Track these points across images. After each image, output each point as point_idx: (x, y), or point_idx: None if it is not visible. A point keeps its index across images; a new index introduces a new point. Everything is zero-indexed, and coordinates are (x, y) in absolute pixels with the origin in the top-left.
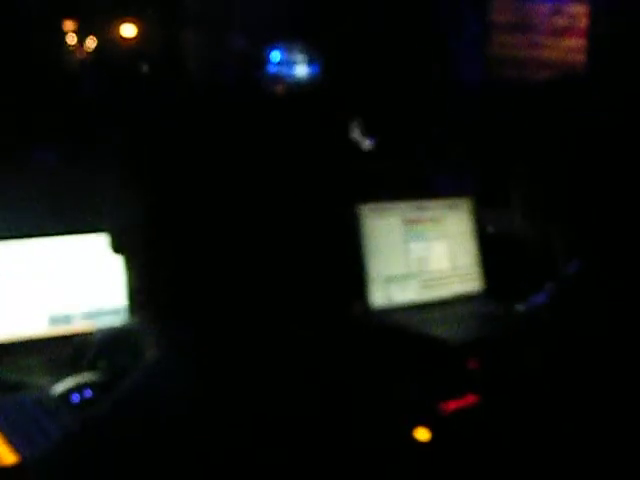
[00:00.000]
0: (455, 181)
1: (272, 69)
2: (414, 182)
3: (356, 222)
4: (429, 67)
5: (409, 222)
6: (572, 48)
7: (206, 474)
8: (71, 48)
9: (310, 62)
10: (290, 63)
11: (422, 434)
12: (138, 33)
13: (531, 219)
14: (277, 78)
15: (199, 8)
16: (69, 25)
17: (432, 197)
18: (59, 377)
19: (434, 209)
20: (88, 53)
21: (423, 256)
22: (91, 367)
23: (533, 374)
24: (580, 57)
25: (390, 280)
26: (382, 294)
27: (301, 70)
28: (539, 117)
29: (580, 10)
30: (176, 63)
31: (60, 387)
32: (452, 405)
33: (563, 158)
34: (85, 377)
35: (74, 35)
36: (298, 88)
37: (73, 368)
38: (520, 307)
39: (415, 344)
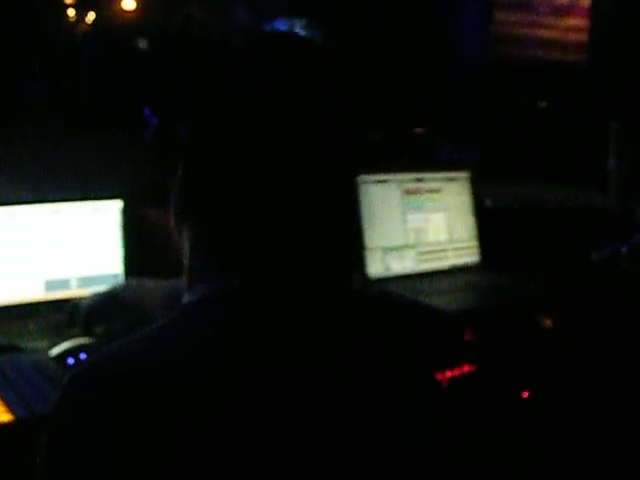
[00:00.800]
0: (455, 154)
1: None
2: (414, 154)
3: (355, 192)
4: (430, 45)
5: (407, 193)
6: (573, 27)
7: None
8: (71, 19)
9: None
10: None
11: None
12: (138, 7)
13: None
14: None
15: None
16: None
17: (431, 169)
18: (55, 341)
19: (433, 181)
20: (88, 25)
21: (421, 227)
22: (85, 331)
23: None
24: (581, 36)
25: (388, 250)
26: (380, 264)
27: None
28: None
29: None
30: (181, 38)
31: (56, 350)
32: (448, 374)
33: None
34: (80, 340)
35: (73, 9)
36: None
37: (68, 332)
38: (595, 255)
39: (411, 313)
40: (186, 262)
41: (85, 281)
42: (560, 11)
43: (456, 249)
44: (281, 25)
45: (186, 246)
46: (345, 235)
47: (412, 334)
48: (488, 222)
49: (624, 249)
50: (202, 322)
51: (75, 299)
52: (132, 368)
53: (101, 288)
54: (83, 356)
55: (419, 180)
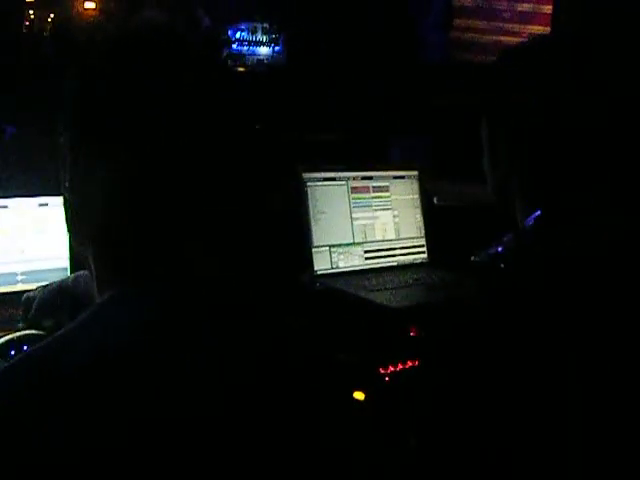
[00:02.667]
0: (405, 152)
1: (235, 48)
2: (364, 152)
3: (302, 190)
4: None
5: (355, 191)
6: (536, 34)
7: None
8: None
9: (273, 42)
10: (253, 43)
11: (359, 395)
12: (98, 7)
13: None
14: (239, 57)
15: None
16: None
17: (379, 168)
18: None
19: (381, 179)
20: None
21: (368, 225)
22: (35, 324)
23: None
24: None
25: (335, 248)
26: (327, 261)
27: (264, 50)
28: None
29: None
30: None
31: None
32: (391, 369)
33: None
34: (22, 333)
35: (32, 9)
36: (260, 67)
37: (15, 325)
38: (475, 257)
39: (356, 309)
40: (93, 272)
41: (32, 275)
42: (523, 18)
43: (403, 247)
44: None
45: (90, 259)
46: (269, 229)
47: (347, 331)
48: (436, 220)
49: (499, 250)
50: (120, 312)
51: (28, 292)
52: (55, 364)
53: (49, 281)
54: (25, 348)
55: (367, 178)
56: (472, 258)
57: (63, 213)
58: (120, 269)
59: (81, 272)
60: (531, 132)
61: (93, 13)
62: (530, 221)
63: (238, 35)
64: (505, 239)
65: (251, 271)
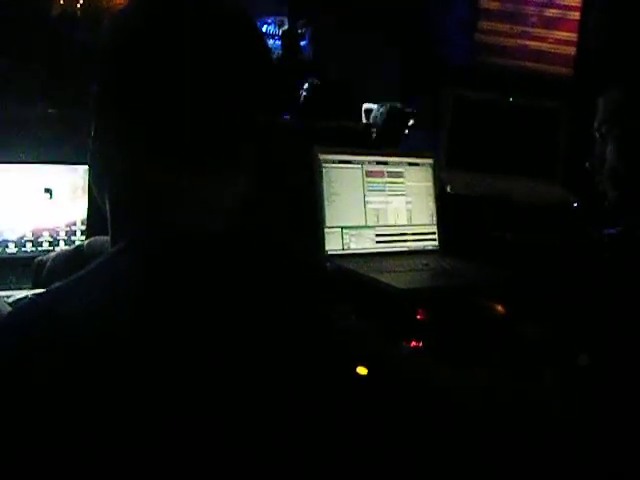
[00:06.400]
0: (422, 140)
1: None
2: (378, 137)
3: (316, 171)
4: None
5: (369, 175)
6: (562, 40)
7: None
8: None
9: (299, 37)
10: (279, 37)
11: (362, 370)
12: None
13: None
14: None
15: None
16: None
17: (394, 153)
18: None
19: (395, 165)
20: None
21: (381, 209)
22: (47, 286)
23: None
24: (570, 50)
25: (347, 229)
26: (338, 242)
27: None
28: None
29: (573, 2)
30: None
31: (10, 298)
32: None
33: None
34: (38, 291)
35: None
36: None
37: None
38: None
39: (365, 289)
40: (109, 218)
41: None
42: (549, 23)
43: (415, 233)
44: None
45: (107, 204)
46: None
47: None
48: (448, 208)
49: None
50: (127, 264)
51: (39, 257)
52: (58, 314)
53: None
54: None
55: (382, 163)
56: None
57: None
58: (133, 221)
59: (95, 237)
60: None
61: (123, 2)
62: None
63: (265, 29)
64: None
65: (265, 236)
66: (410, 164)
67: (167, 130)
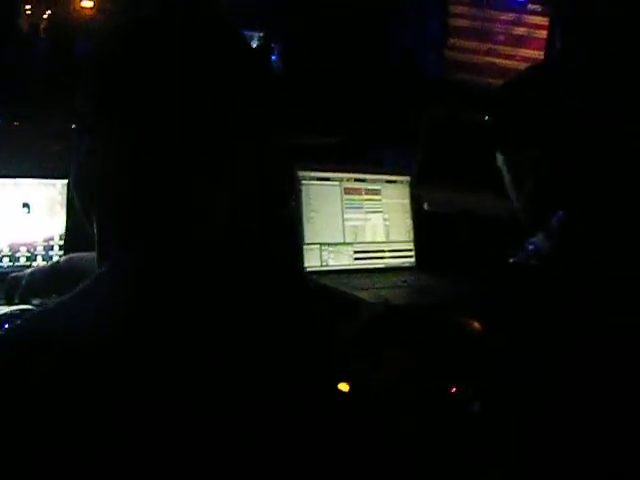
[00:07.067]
0: (398, 158)
1: None
2: (357, 155)
3: (296, 188)
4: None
5: (348, 192)
6: (529, 58)
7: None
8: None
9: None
10: None
11: (344, 386)
12: (95, 6)
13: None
14: None
15: None
16: None
17: (372, 171)
18: None
19: (373, 182)
20: (43, 21)
21: (359, 226)
22: (23, 302)
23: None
24: None
25: (325, 246)
26: (317, 258)
27: None
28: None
29: (540, 21)
30: None
31: None
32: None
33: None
34: (19, 307)
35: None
36: None
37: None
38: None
39: (345, 306)
40: (96, 238)
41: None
42: (518, 41)
43: (392, 250)
44: None
45: (95, 225)
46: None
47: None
48: (426, 226)
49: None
50: (116, 287)
51: (14, 273)
52: (50, 336)
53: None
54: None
55: (360, 180)
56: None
57: (71, 183)
58: (122, 235)
59: (72, 255)
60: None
61: (90, 12)
62: (555, 221)
63: None
64: (535, 239)
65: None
66: (388, 181)
67: (157, 136)
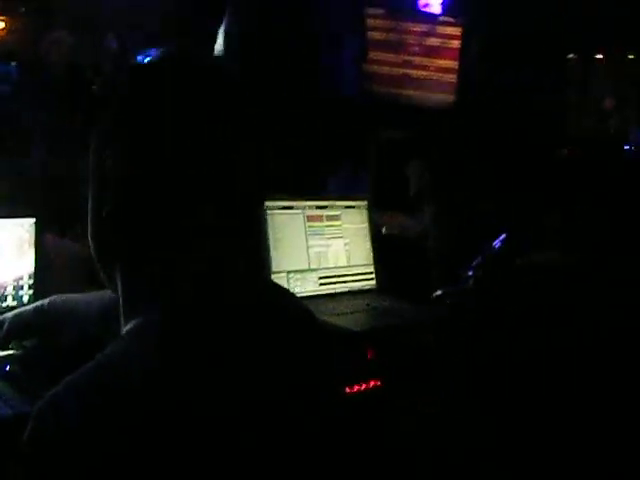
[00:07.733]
0: (349, 184)
1: None
2: (311, 183)
3: (262, 217)
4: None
5: (310, 219)
6: (444, 68)
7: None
8: None
9: None
10: None
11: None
12: (7, 29)
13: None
14: None
15: (75, 8)
16: None
17: (332, 197)
18: None
19: (333, 209)
20: None
21: (322, 252)
22: (4, 346)
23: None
24: (451, 77)
25: (292, 273)
26: (285, 286)
27: None
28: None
29: (453, 31)
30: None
31: None
32: (356, 388)
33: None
34: (5, 353)
35: None
36: None
37: None
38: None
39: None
40: (120, 295)
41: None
42: (431, 51)
43: (354, 274)
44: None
45: (118, 283)
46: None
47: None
48: (384, 249)
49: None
50: (155, 339)
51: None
52: (106, 391)
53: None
54: (7, 368)
55: (321, 207)
56: (435, 294)
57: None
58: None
59: (55, 297)
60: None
61: (2, 33)
62: (496, 245)
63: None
64: (474, 263)
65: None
66: (347, 207)
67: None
